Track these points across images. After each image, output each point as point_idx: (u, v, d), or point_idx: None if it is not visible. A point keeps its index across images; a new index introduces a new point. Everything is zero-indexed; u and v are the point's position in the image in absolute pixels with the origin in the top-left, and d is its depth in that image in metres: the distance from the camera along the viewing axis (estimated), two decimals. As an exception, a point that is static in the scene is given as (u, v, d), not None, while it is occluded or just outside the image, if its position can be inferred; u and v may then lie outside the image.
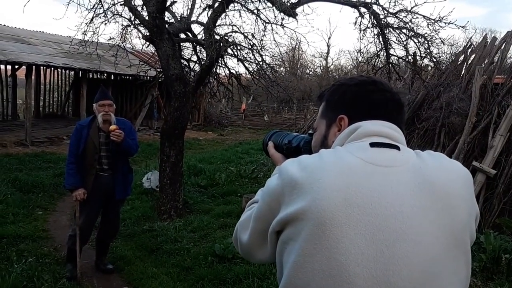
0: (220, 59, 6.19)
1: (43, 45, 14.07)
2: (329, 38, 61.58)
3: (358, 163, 0.97)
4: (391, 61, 6.64)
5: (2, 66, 16.48)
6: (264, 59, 7.39)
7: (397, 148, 1.01)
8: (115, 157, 4.11)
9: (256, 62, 7.25)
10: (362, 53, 8.07)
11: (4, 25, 14.47)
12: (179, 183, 6.09)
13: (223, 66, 6.79)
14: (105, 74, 17.17)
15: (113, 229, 4.39)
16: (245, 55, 7.08)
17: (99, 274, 4.37)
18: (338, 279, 0.89)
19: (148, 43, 6.69)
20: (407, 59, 6.90)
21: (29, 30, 15.48)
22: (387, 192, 0.93)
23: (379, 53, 6.65)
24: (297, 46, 36.31)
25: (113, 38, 7.25)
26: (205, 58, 6.34)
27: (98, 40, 7.01)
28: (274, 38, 10.40)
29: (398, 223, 0.90)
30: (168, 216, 5.93)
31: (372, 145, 1.01)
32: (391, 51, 6.65)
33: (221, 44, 5.80)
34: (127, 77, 17.71)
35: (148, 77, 17.10)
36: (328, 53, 41.53)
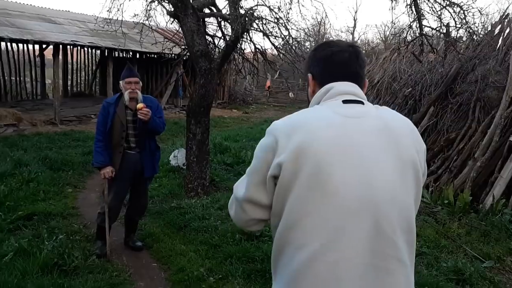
0: (245, 34, 6.03)
1: (70, 24, 14.13)
2: (355, 12, 60.04)
3: (337, 116, 1.28)
4: (424, 32, 6.34)
5: (30, 46, 16.73)
6: (291, 33, 7.19)
7: (362, 103, 1.34)
8: (142, 135, 4.08)
9: (282, 36, 7.06)
10: (394, 23, 7.75)
11: (30, 4, 14.58)
12: (206, 160, 6.05)
13: (248, 41, 6.62)
14: (131, 53, 17.20)
15: (141, 207, 4.40)
16: (271, 30, 6.90)
17: (128, 251, 4.40)
18: (333, 200, 1.21)
19: (172, 19, 6.58)
20: (440, 30, 6.58)
21: (55, 9, 15.56)
22: (360, 137, 1.25)
23: (411, 24, 6.35)
24: (322, 21, 35.61)
25: (137, 14, 7.15)
26: (230, 34, 6.19)
27: (122, 17, 6.92)
28: (300, 11, 10.11)
29: (371, 157, 1.24)
30: (195, 193, 5.92)
31: (344, 102, 1.32)
32: (424, 22, 6.34)
33: (247, 18, 5.64)
34: (153, 55, 17.71)
35: (173, 55, 17.07)
36: (354, 27, 40.63)
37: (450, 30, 6.92)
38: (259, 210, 1.33)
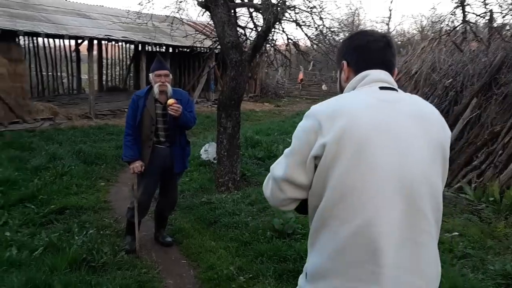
0: (277, 24, 5.85)
1: (103, 19, 14.29)
2: (391, 2, 58.46)
3: (375, 101, 1.36)
4: (467, 19, 5.97)
5: (66, 42, 17.08)
6: (324, 23, 6.95)
7: (396, 90, 1.43)
8: (172, 129, 3.98)
9: (316, 26, 6.83)
10: (435, 9, 7.36)
11: (66, 0, 14.83)
12: (236, 155, 5.93)
13: (281, 31, 6.43)
14: (164, 47, 17.28)
15: (171, 202, 4.31)
16: (304, 19, 6.68)
17: (158, 246, 4.33)
18: (374, 178, 1.28)
19: (203, 10, 6.47)
20: (485, 17, 6.18)
21: (89, 4, 15.78)
22: (397, 120, 1.34)
23: (454, 10, 5.99)
24: (357, 12, 34.85)
25: (168, 6, 7.07)
26: (261, 24, 6.02)
27: (153, 8, 6.86)
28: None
29: (407, 139, 1.32)
30: (226, 188, 5.81)
31: (381, 88, 1.40)
32: (467, 9, 5.96)
33: (279, 8, 5.45)
34: (185, 49, 17.74)
35: (205, 49, 17.05)
36: (390, 17, 39.54)
37: (495, 16, 6.50)
38: (297, 189, 1.40)
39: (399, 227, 1.28)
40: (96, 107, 13.08)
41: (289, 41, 6.58)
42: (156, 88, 3.92)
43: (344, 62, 1.50)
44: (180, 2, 6.81)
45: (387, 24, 39.13)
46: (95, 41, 16.09)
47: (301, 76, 26.51)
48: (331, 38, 7.18)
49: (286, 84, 27.48)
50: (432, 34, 8.72)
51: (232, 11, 5.92)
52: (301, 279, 1.46)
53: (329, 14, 8.09)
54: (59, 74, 17.50)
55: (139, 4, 7.46)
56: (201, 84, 17.81)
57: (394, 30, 39.65)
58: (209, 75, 17.49)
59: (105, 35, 12.88)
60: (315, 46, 7.34)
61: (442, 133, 1.40)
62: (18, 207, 5.20)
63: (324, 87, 26.30)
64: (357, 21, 37.81)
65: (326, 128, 1.31)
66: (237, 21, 6.31)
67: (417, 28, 36.75)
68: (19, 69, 10.71)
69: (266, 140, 9.31)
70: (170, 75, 4.03)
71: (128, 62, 20.36)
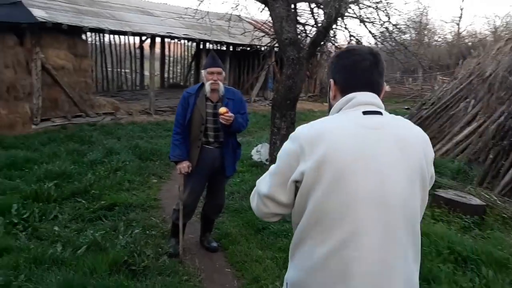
0: (339, 19, 5.47)
1: (166, 16, 14.47)
2: (462, 1, 55.49)
3: (357, 127, 1.40)
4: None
5: (131, 39, 17.56)
6: (390, 20, 6.46)
7: (380, 113, 1.45)
8: (222, 129, 3.76)
9: (381, 22, 6.36)
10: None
11: (130, -3, 15.20)
12: (290, 157, 5.61)
13: (343, 28, 6.03)
14: (224, 45, 17.28)
15: (217, 206, 4.10)
16: (369, 15, 6.24)
17: (202, 251, 4.13)
18: (352, 204, 1.33)
19: (262, 5, 6.22)
20: None
21: (153, 2, 16.09)
22: (379, 148, 1.38)
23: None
24: (425, 10, 33.26)
25: (226, 1, 6.89)
26: (322, 19, 5.67)
27: (209, 4, 6.71)
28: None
29: (387, 166, 1.36)
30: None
31: (364, 113, 1.43)
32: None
33: (341, 2, 5.08)
34: (245, 48, 17.65)
35: (264, 47, 16.86)
36: (460, 17, 37.31)
37: None
38: (279, 207, 1.47)
39: (372, 251, 1.32)
40: (156, 103, 13.28)
41: (351, 37, 6.16)
42: (207, 86, 3.72)
43: (332, 81, 1.53)
44: (238, -3, 6.56)
45: (458, 24, 37.03)
46: (158, 39, 16.41)
47: (363, 76, 25.62)
48: (398, 36, 6.66)
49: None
50: (507, 35, 7.89)
51: (292, 6, 5.61)
52: (285, 285, 1.52)
53: (396, 10, 7.47)
54: (123, 70, 18.04)
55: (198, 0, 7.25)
56: (259, 83, 17.64)
57: (465, 30, 37.47)
58: (267, 73, 17.28)
59: (167, 32, 13.02)
60: (379, 44, 6.87)
61: (423, 155, 1.42)
62: (70, 201, 5.23)
63: (387, 88, 25.27)
64: (425, 20, 36.13)
65: (307, 154, 1.36)
66: (297, 17, 5.98)
67: (490, 28, 34.47)
68: (84, 64, 11.04)
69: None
70: (223, 72, 3.80)
71: (190, 60, 20.64)
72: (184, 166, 3.73)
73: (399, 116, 1.49)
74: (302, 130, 1.44)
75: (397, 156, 1.37)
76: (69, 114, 10.67)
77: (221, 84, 3.74)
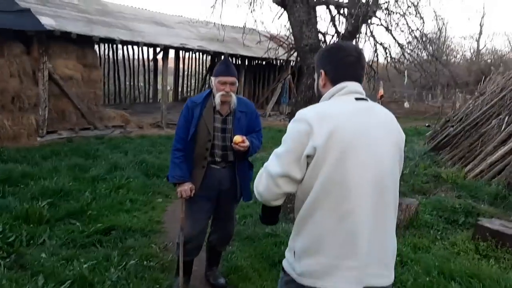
0: (364, 25, 4.90)
1: (180, 28, 14.13)
2: (482, 17, 54.63)
3: (355, 109, 1.66)
4: None
5: (145, 51, 17.27)
6: (420, 28, 5.87)
7: (367, 100, 1.73)
8: (231, 150, 3.17)
9: (410, 30, 5.77)
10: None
11: (144, 9, 14.88)
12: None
13: (368, 35, 5.46)
14: (239, 58, 16.85)
15: (226, 235, 3.47)
16: (397, 21, 5.66)
17: (208, 288, 3.53)
18: (356, 174, 1.58)
19: (279, 11, 5.71)
20: None
21: (167, 14, 15.77)
22: (372, 125, 1.64)
23: None
24: (444, 26, 32.55)
25: (240, 6, 6.39)
26: (345, 27, 5.10)
27: (223, 14, 6.23)
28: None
29: (379, 142, 1.64)
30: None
31: (356, 99, 1.70)
32: None
33: (369, 4, 4.52)
34: (260, 62, 17.20)
35: (280, 60, 16.37)
36: (480, 34, 36.45)
37: None
38: (291, 184, 1.63)
39: (372, 216, 1.59)
40: (168, 117, 12.83)
41: (377, 46, 5.57)
42: (217, 98, 3.10)
43: (323, 71, 1.77)
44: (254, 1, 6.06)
45: (477, 41, 36.20)
46: (172, 51, 16.07)
47: (381, 92, 24.97)
48: (428, 45, 6.06)
49: (365, 100, 25.99)
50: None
51: (313, 9, 5.07)
52: (289, 255, 1.72)
53: (421, 20, 6.80)
54: (136, 83, 17.71)
55: (212, 7, 6.77)
56: (275, 97, 17.15)
57: (484, 47, 36.57)
58: (283, 87, 16.77)
59: (180, 44, 12.62)
60: (406, 55, 6.28)
61: (400, 136, 1.72)
62: (64, 223, 4.71)
63: (406, 104, 24.58)
64: (443, 37, 35.35)
65: (316, 131, 1.56)
66: (317, 22, 5.43)
67: (510, 46, 33.53)
68: (94, 75, 10.66)
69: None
70: (237, 82, 3.20)
71: (204, 74, 20.25)
72: (186, 189, 3.13)
73: (375, 103, 1.74)
74: (306, 112, 1.63)
75: (384, 133, 1.66)
76: (76, 127, 10.25)
77: (233, 96, 3.14)
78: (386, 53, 5.57)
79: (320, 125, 1.55)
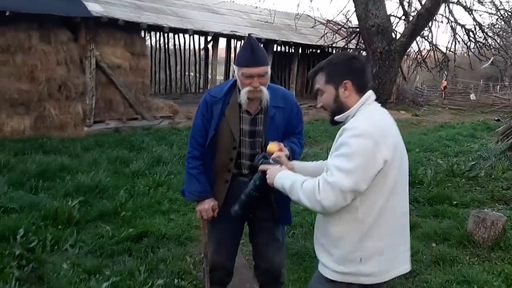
0: (444, 2, 4.06)
1: (232, 14, 13.56)
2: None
3: (389, 116, 1.84)
4: None
5: (196, 40, 16.90)
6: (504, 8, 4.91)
7: None
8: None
9: (495, 10, 4.83)
10: None
11: (197, -5, 14.43)
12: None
13: (446, 15, 4.58)
14: (292, 46, 16.09)
15: (271, 269, 2.62)
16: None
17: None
18: (406, 177, 1.82)
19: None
20: None
21: (219, 0, 15.23)
22: (398, 131, 1.82)
23: None
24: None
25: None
26: (423, 3, 4.27)
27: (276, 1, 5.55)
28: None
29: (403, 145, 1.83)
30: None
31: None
32: None
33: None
34: (315, 50, 16.35)
35: (337, 49, 15.41)
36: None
37: None
38: (354, 196, 1.68)
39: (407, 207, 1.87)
40: (217, 107, 12.33)
41: (458, 27, 4.66)
42: (244, 95, 2.33)
43: (349, 82, 1.79)
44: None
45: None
46: (224, 39, 15.57)
47: (444, 83, 23.29)
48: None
49: (426, 91, 24.49)
50: None
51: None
52: (349, 264, 1.77)
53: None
54: (187, 72, 17.41)
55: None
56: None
57: None
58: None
59: (231, 31, 12.05)
60: (490, 38, 5.32)
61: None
62: (94, 225, 4.29)
63: (472, 96, 22.79)
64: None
65: (383, 145, 1.66)
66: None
67: None
68: (142, 63, 10.31)
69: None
70: (269, 72, 2.36)
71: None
72: (207, 208, 2.46)
73: None
74: (368, 128, 1.69)
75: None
76: (124, 116, 9.96)
77: (265, 91, 2.34)
78: (469, 36, 4.65)
79: (384, 139, 1.67)
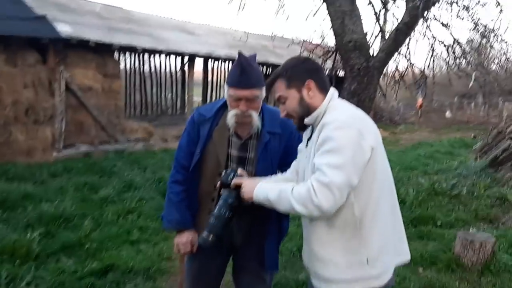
0: (425, 15, 3.94)
1: (208, 35, 13.44)
2: (526, 21, 52.09)
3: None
4: None
5: (173, 61, 16.68)
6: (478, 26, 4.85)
7: None
8: None
9: (474, 24, 4.76)
10: None
11: (172, 18, 14.29)
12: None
13: (424, 31, 4.48)
14: (270, 67, 16.03)
15: None
16: (458, 15, 4.66)
17: None
18: (388, 172, 1.76)
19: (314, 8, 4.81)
20: None
21: (195, 22, 15.13)
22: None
23: None
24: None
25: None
26: (402, 18, 4.15)
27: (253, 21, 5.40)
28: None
29: None
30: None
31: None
32: None
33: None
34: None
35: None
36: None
37: None
38: (349, 191, 1.59)
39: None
40: (194, 129, 12.06)
41: (436, 43, 4.56)
42: (230, 118, 2.07)
43: (311, 81, 1.74)
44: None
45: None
46: (201, 61, 15.40)
47: (420, 101, 23.59)
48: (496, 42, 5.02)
49: (402, 110, 24.74)
50: None
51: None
52: (359, 267, 1.66)
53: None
54: (164, 94, 17.13)
55: (240, 9, 5.97)
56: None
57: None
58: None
59: (207, 52, 11.89)
60: (468, 55, 5.24)
61: None
62: (56, 259, 3.92)
63: (448, 114, 23.10)
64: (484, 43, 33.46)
65: (366, 134, 1.60)
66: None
67: None
68: (115, 85, 10.01)
69: (387, 179, 7.23)
70: (262, 93, 2.07)
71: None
72: (185, 242, 2.16)
73: None
74: (348, 119, 1.63)
75: None
76: (96, 140, 9.59)
77: (255, 116, 2.06)
78: (448, 53, 4.55)
79: (365, 128, 1.62)
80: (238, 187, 1.85)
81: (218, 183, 1.97)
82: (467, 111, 25.96)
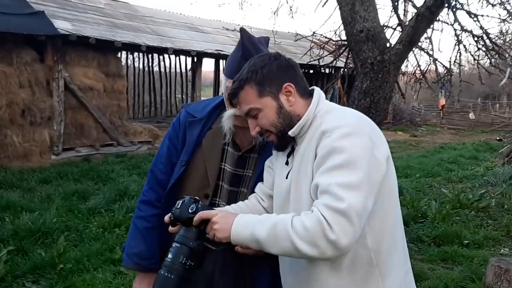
0: (448, 4, 3.31)
1: (218, 33, 12.92)
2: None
3: None
4: None
5: (183, 60, 16.25)
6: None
7: None
8: None
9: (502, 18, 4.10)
10: None
11: (180, 13, 13.83)
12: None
13: (450, 22, 3.84)
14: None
15: None
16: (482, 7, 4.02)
17: None
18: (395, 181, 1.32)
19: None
20: None
21: (205, 19, 14.63)
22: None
23: None
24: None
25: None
26: (424, 3, 3.52)
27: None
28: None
29: None
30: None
31: None
32: None
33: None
34: (308, 70, 15.72)
35: (329, 68, 14.80)
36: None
37: None
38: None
39: None
40: (202, 130, 11.58)
41: (463, 33, 3.91)
42: (227, 119, 1.52)
43: (291, 85, 1.33)
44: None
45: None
46: (212, 60, 14.91)
47: (442, 102, 22.66)
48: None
49: (423, 111, 23.87)
50: None
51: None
52: None
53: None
54: (173, 94, 16.73)
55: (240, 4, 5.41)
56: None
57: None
58: (332, 95, 15.22)
59: (216, 49, 11.38)
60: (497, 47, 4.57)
61: None
62: (23, 283, 3.42)
63: (471, 115, 22.11)
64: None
65: (377, 141, 1.25)
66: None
67: None
68: (118, 85, 9.56)
69: (407, 187, 6.57)
70: None
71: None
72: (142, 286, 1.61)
73: None
74: (354, 122, 1.24)
75: None
76: (97, 143, 9.16)
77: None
78: (478, 44, 3.90)
79: (374, 131, 1.26)
80: (203, 223, 1.27)
81: (166, 217, 1.39)
82: (492, 112, 24.95)
